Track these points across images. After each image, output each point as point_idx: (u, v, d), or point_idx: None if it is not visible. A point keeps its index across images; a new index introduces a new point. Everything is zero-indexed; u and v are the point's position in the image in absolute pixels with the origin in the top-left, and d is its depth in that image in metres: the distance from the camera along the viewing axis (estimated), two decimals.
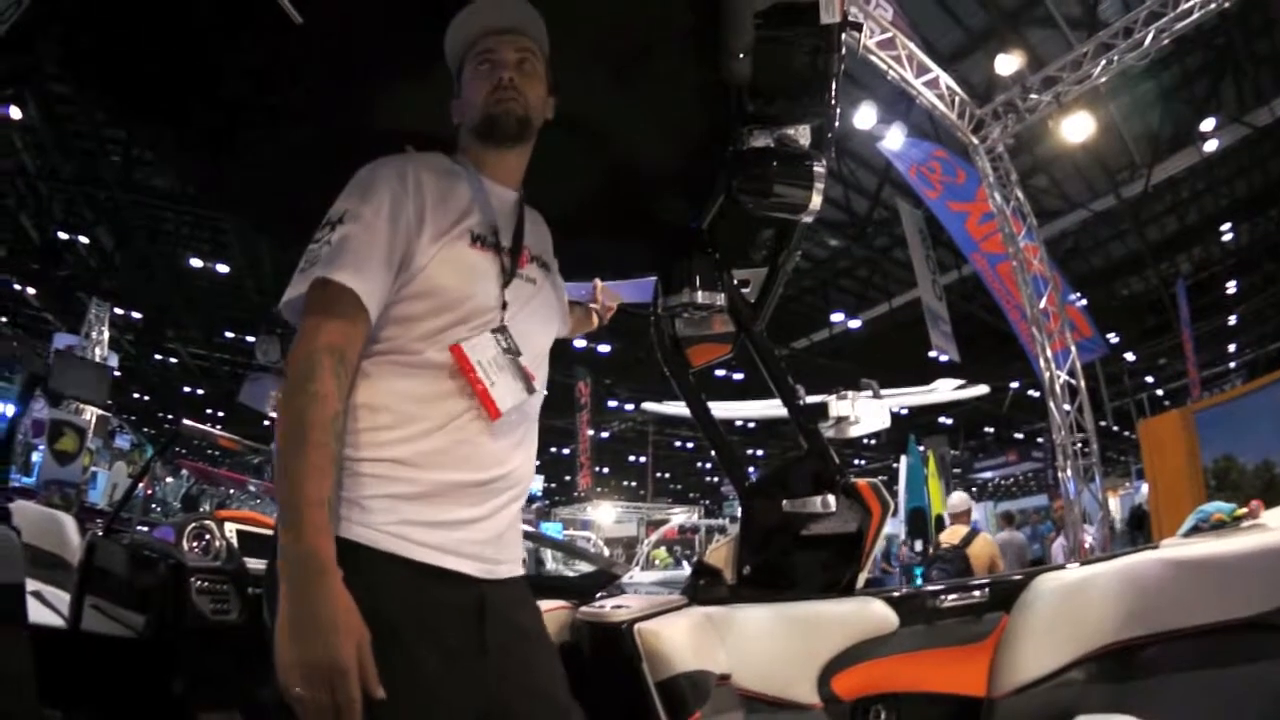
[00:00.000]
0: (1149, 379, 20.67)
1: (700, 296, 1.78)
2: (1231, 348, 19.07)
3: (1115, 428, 18.55)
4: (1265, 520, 1.85)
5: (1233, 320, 17.35)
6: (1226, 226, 14.29)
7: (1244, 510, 1.91)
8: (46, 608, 3.05)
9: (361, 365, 1.14)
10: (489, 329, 1.21)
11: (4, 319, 17.37)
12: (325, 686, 0.92)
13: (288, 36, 1.36)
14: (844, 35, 1.53)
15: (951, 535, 6.07)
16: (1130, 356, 18.72)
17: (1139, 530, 11.53)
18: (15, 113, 10.34)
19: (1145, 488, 10.63)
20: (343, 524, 1.07)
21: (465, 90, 1.32)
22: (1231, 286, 16.17)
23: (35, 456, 12.98)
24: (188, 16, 1.43)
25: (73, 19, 1.47)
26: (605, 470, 31.31)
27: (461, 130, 1.35)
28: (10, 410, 14.26)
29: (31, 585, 2.57)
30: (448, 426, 1.15)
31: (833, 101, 1.66)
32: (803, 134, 1.72)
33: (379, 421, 1.12)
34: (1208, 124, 10.59)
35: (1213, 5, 7.03)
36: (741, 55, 1.50)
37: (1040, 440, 22.58)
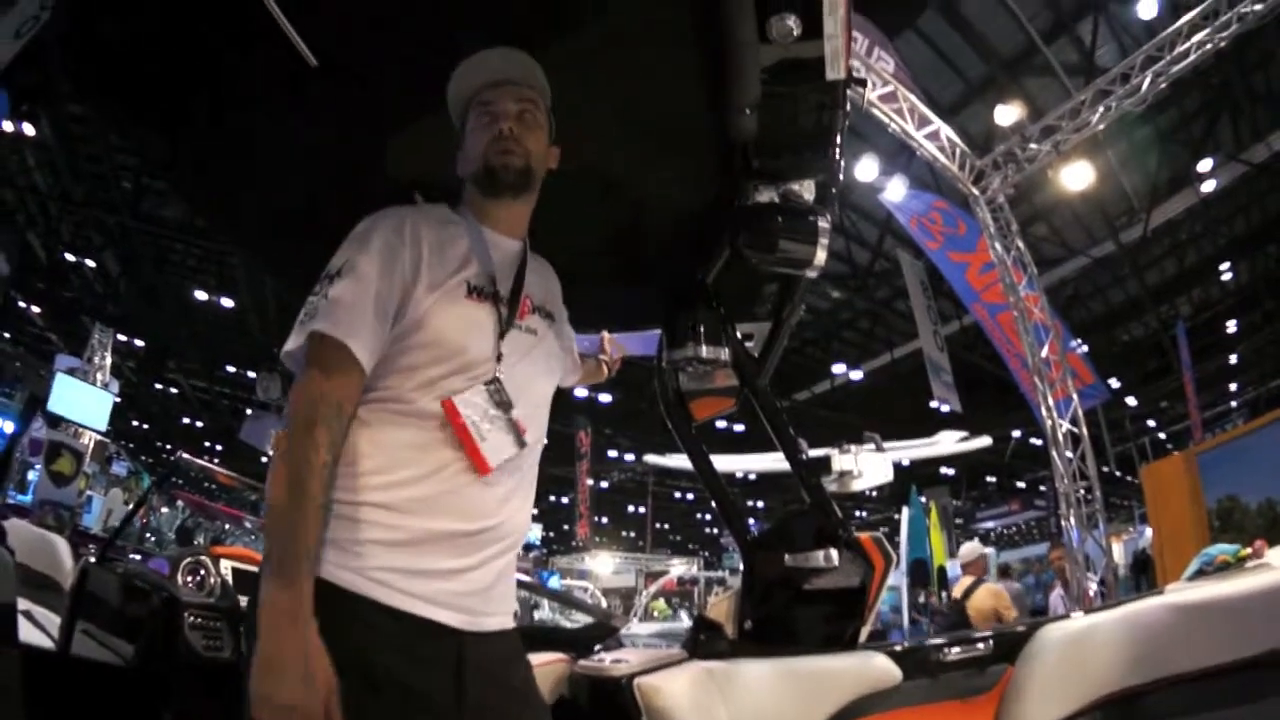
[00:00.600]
0: (1151, 423, 20.60)
1: (704, 350, 1.78)
2: (1233, 387, 19.03)
3: (1118, 473, 18.44)
4: (1270, 559, 1.84)
5: (1234, 359, 17.34)
6: (1225, 266, 14.36)
7: (1248, 551, 1.90)
8: (36, 628, 3.03)
9: (356, 411, 1.15)
10: (481, 381, 1.21)
11: (6, 335, 17.41)
12: None
13: (302, 77, 1.38)
14: (849, 91, 1.55)
15: (958, 587, 6.01)
16: (1132, 401, 18.69)
17: (1143, 575, 11.39)
18: (29, 130, 10.46)
19: (1149, 532, 10.53)
20: (327, 566, 1.07)
21: (467, 141, 1.35)
22: (1232, 326, 16.19)
23: (31, 475, 12.91)
24: (205, 55, 1.45)
25: (90, 53, 1.50)
26: (604, 520, 31.13)
27: (465, 181, 1.37)
28: (10, 427, 14.24)
29: (22, 605, 2.56)
30: (436, 475, 1.15)
31: (837, 157, 1.68)
32: (807, 189, 1.74)
33: (367, 466, 1.13)
34: (1205, 164, 10.67)
35: (1209, 46, 7.10)
36: (748, 111, 1.52)
37: (1043, 488, 22.44)
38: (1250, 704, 1.55)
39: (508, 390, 1.23)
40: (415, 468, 1.14)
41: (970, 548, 6.45)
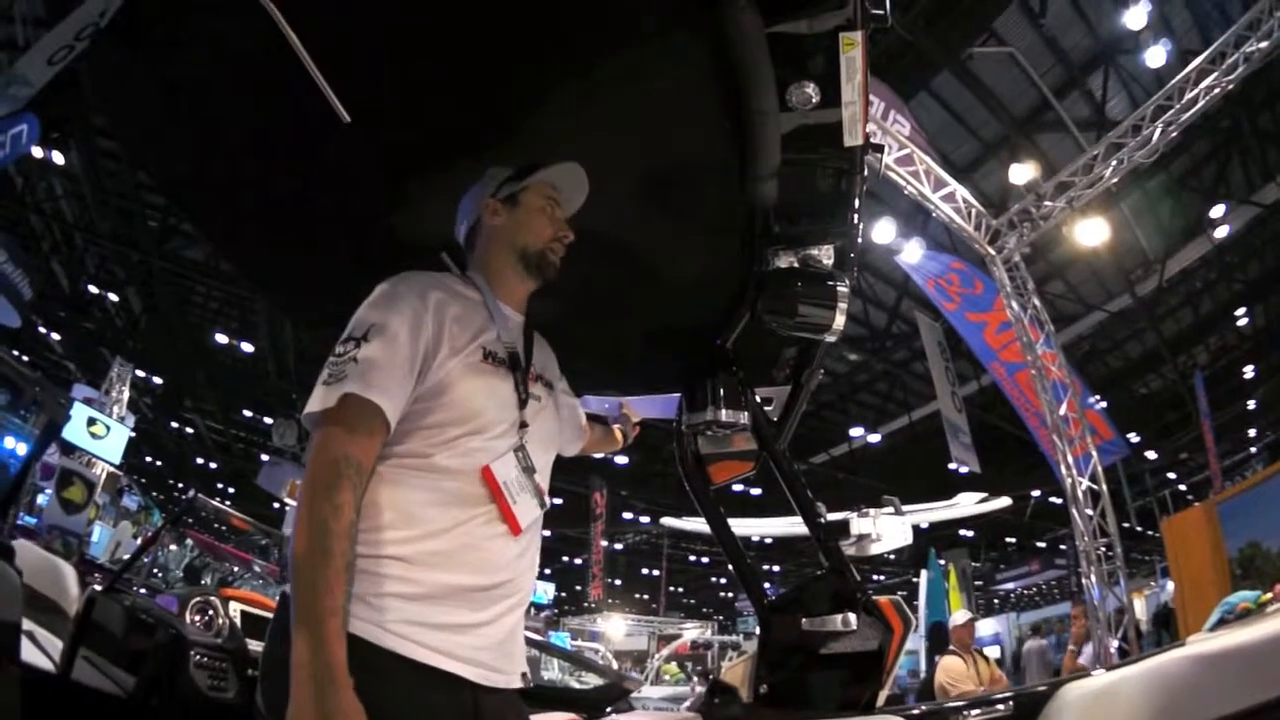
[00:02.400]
0: (1171, 475, 20.21)
1: (724, 414, 1.79)
2: (1252, 432, 18.67)
3: (1139, 528, 18.06)
4: None
5: (1251, 405, 17.07)
6: (1241, 311, 14.25)
7: (1269, 596, 1.85)
8: (38, 650, 3.02)
9: (375, 467, 1.18)
10: (510, 449, 1.27)
11: (24, 358, 17.56)
12: None
13: (335, 134, 1.42)
14: (866, 156, 1.58)
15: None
16: (1151, 455, 18.38)
17: (1165, 629, 11.06)
18: (59, 158, 10.69)
19: (1170, 586, 10.29)
20: (349, 619, 1.08)
21: (525, 213, 1.43)
22: (1249, 371, 15.99)
23: (41, 499, 12.92)
24: (241, 109, 1.50)
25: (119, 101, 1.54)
26: (617, 582, 30.87)
27: (488, 237, 1.44)
28: (22, 448, 14.28)
29: (25, 626, 2.56)
30: (454, 530, 1.19)
31: (856, 222, 1.70)
32: (827, 255, 1.76)
33: (386, 520, 1.16)
34: (1217, 210, 10.71)
35: (1217, 90, 7.16)
36: (768, 177, 1.55)
37: (1063, 547, 21.96)
38: None
39: (530, 456, 1.31)
40: (433, 523, 1.18)
41: (953, 617, 6.35)
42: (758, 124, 1.44)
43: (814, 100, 1.40)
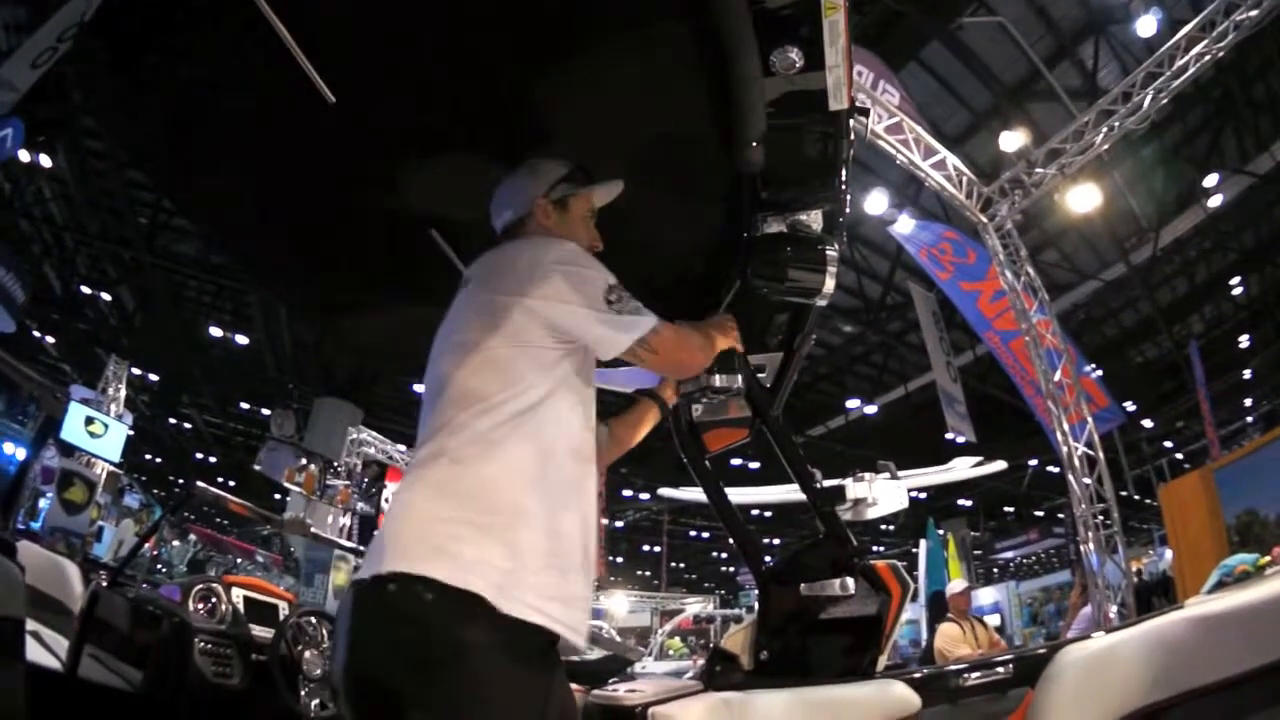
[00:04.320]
0: (1168, 444, 20.34)
1: (717, 380, 1.79)
2: (1248, 402, 18.81)
3: (1136, 496, 18.18)
4: None
5: (1247, 374, 17.18)
6: (1236, 280, 14.31)
7: (1267, 559, 1.88)
8: (44, 649, 3.03)
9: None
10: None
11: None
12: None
13: (323, 112, 1.42)
14: (852, 121, 1.58)
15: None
16: (1148, 423, 18.48)
17: (1161, 597, 11.17)
18: (46, 161, 10.63)
19: (1169, 555, 10.38)
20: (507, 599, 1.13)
21: (573, 221, 1.54)
22: (1245, 340, 16.08)
23: (42, 503, 12.95)
24: (226, 90, 1.49)
25: (104, 69, 1.53)
26: (619, 559, 31.00)
27: (544, 212, 1.52)
28: (22, 454, 14.29)
29: (30, 626, 2.57)
30: (580, 492, 1.32)
31: (844, 186, 1.70)
32: (815, 219, 1.76)
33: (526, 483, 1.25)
34: (1211, 179, 10.69)
35: (1208, 57, 7.12)
36: (754, 143, 1.55)
37: (1061, 516, 22.10)
38: (1273, 708, 1.54)
39: None
40: (566, 484, 1.31)
41: (950, 585, 6.46)
42: (742, 89, 1.43)
43: (798, 65, 1.40)
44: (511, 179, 1.53)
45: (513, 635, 1.12)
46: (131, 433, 15.37)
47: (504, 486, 1.20)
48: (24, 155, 9.56)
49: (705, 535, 29.20)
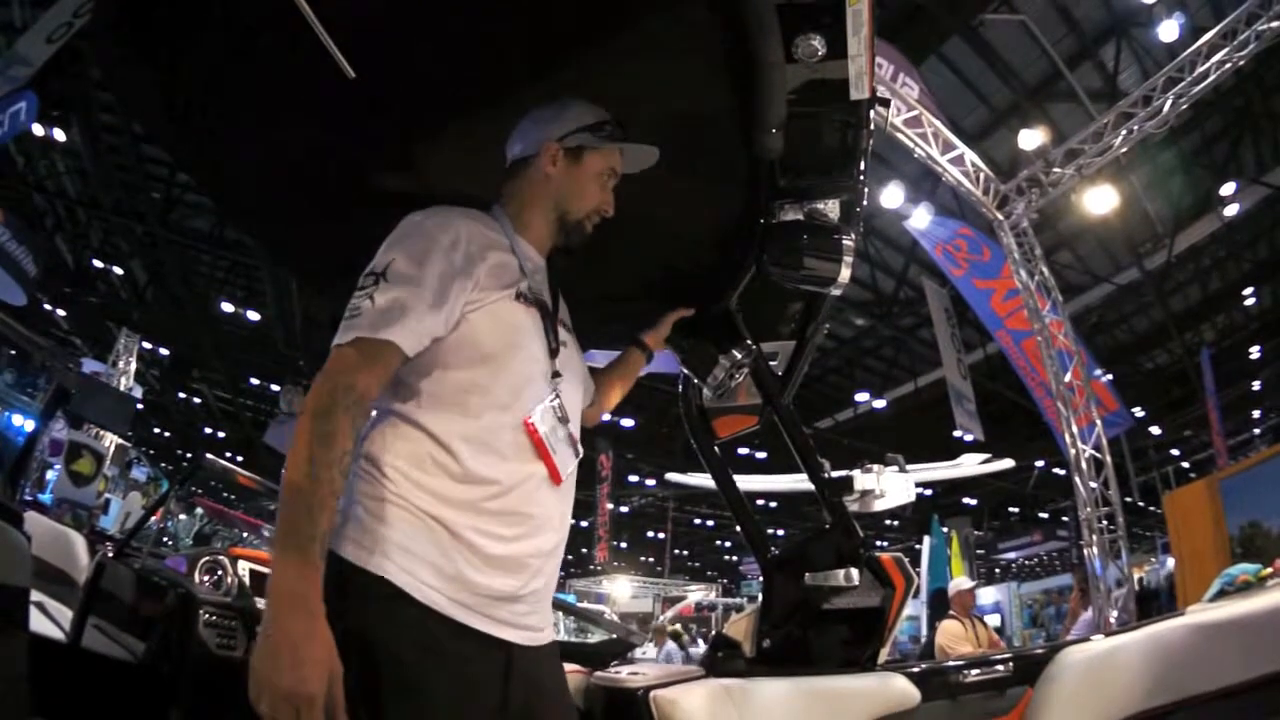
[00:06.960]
0: (1175, 451, 20.25)
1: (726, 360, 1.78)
2: (1256, 413, 18.71)
3: (1141, 503, 18.13)
4: None
5: (1256, 385, 17.09)
6: (1249, 291, 14.24)
7: (1269, 570, 1.88)
8: (48, 620, 3.05)
9: (415, 417, 1.18)
10: (547, 400, 1.26)
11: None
12: (291, 713, 0.93)
13: (341, 88, 1.40)
14: (872, 111, 1.57)
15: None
16: (1156, 430, 18.39)
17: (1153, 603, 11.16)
18: (60, 135, 10.65)
19: (1171, 563, 10.36)
20: (385, 564, 1.10)
21: (582, 174, 1.41)
22: (1255, 351, 15.98)
23: (50, 475, 13.05)
24: (245, 60, 1.48)
25: (123, 42, 1.51)
26: (623, 545, 31.08)
27: (534, 180, 1.41)
28: (32, 425, 14.39)
29: (35, 597, 2.59)
30: (498, 481, 1.18)
31: (862, 176, 1.69)
32: (832, 209, 1.75)
33: (429, 469, 1.16)
34: (1228, 188, 10.61)
35: (1228, 65, 7.10)
36: (774, 130, 1.54)
37: (1065, 519, 22.06)
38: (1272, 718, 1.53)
39: (565, 406, 1.30)
40: (477, 474, 1.18)
41: (954, 582, 6.48)
42: (763, 76, 1.42)
43: (820, 53, 1.39)
44: (538, 111, 1.45)
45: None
46: (141, 406, 15.47)
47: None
48: (38, 129, 9.56)
49: (710, 523, 29.27)
